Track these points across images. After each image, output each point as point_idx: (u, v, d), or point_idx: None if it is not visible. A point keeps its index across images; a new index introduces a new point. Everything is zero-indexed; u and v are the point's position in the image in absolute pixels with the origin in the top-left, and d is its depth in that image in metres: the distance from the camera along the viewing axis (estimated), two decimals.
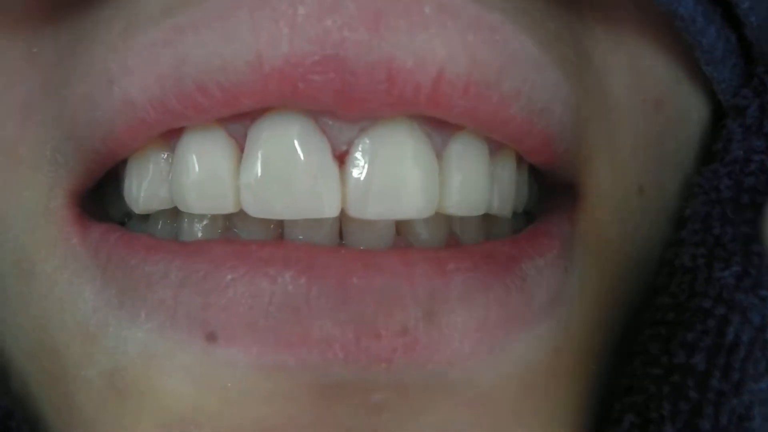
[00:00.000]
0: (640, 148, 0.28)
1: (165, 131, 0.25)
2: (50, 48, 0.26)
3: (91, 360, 0.25)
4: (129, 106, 0.24)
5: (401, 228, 0.27)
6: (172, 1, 0.24)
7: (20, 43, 0.26)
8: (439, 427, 0.24)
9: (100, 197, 0.29)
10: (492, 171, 0.28)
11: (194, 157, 0.26)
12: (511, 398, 0.25)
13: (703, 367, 0.25)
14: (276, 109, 0.25)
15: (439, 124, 0.26)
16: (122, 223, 0.29)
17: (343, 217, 0.26)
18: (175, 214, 0.28)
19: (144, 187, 0.27)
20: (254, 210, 0.25)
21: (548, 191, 0.31)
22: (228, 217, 0.27)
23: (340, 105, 0.24)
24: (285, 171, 0.25)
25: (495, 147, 0.27)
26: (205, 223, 0.27)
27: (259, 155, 0.25)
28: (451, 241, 0.28)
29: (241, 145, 0.26)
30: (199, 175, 0.26)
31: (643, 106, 0.28)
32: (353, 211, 0.26)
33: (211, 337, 0.24)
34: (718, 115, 0.29)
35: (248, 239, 0.26)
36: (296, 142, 0.25)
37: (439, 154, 0.26)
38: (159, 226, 0.28)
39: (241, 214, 0.26)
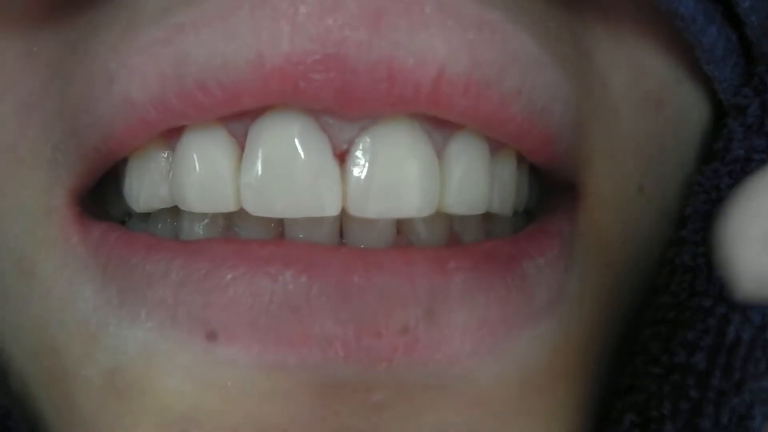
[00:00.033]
0: (641, 148, 0.28)
1: (165, 130, 0.25)
2: (50, 47, 0.26)
3: (92, 359, 0.25)
4: (129, 105, 0.24)
5: (402, 227, 0.27)
6: (173, 1, 0.24)
7: (20, 43, 0.26)
8: (439, 427, 0.24)
9: (100, 196, 0.29)
10: (492, 170, 0.28)
11: (195, 156, 0.26)
12: (512, 397, 0.25)
13: (703, 366, 0.25)
14: (277, 108, 0.25)
15: (439, 123, 0.26)
16: (122, 223, 0.29)
17: (343, 216, 0.26)
18: (175, 213, 0.28)
19: (144, 186, 0.27)
20: (255, 209, 0.25)
21: (548, 190, 0.31)
22: (228, 216, 0.27)
23: (341, 104, 0.24)
24: (285, 170, 0.25)
25: (495, 146, 0.27)
26: (205, 222, 0.27)
27: (260, 154, 0.25)
28: (452, 240, 0.28)
29: (241, 144, 0.26)
30: (199, 174, 0.26)
31: (644, 106, 0.28)
32: (354, 210, 0.26)
33: (211, 336, 0.24)
34: (719, 115, 0.29)
35: (249, 238, 0.26)
36: (297, 141, 0.25)
37: (440, 153, 0.26)
38: (159, 226, 0.28)
39: (241, 213, 0.26)
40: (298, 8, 0.23)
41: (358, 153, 0.25)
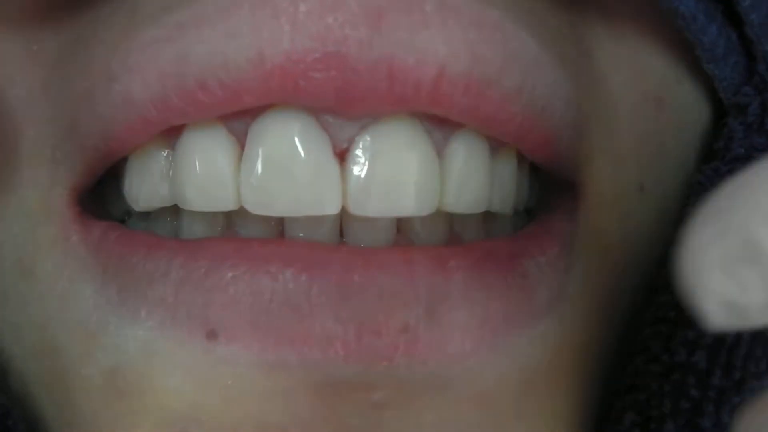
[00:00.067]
0: (641, 146, 0.28)
1: (166, 129, 0.25)
2: (50, 46, 0.26)
3: (92, 358, 0.25)
4: (130, 104, 0.24)
5: (402, 226, 0.27)
6: None
7: (20, 41, 0.26)
8: (440, 426, 0.24)
9: (100, 195, 0.29)
10: (492, 169, 0.27)
11: (195, 154, 0.26)
12: (512, 396, 0.25)
13: (704, 365, 0.25)
14: (277, 107, 0.25)
15: (439, 121, 0.26)
16: (122, 221, 0.29)
17: (343, 215, 0.26)
18: (175, 212, 0.28)
19: (144, 185, 0.27)
20: (255, 207, 0.25)
21: (549, 190, 0.31)
22: (228, 215, 0.27)
23: (341, 102, 0.24)
24: (286, 168, 0.25)
25: (495, 145, 0.27)
26: (205, 220, 0.27)
27: (260, 152, 0.25)
28: (452, 238, 0.28)
29: (241, 143, 0.26)
30: (199, 172, 0.26)
31: (644, 105, 0.28)
32: (354, 209, 0.26)
33: (211, 335, 0.23)
34: (719, 113, 0.29)
35: (249, 237, 0.26)
36: (297, 140, 0.25)
37: (440, 152, 0.26)
38: (159, 225, 0.28)
39: (241, 212, 0.26)
40: (298, 7, 0.23)
41: (359, 152, 0.25)
